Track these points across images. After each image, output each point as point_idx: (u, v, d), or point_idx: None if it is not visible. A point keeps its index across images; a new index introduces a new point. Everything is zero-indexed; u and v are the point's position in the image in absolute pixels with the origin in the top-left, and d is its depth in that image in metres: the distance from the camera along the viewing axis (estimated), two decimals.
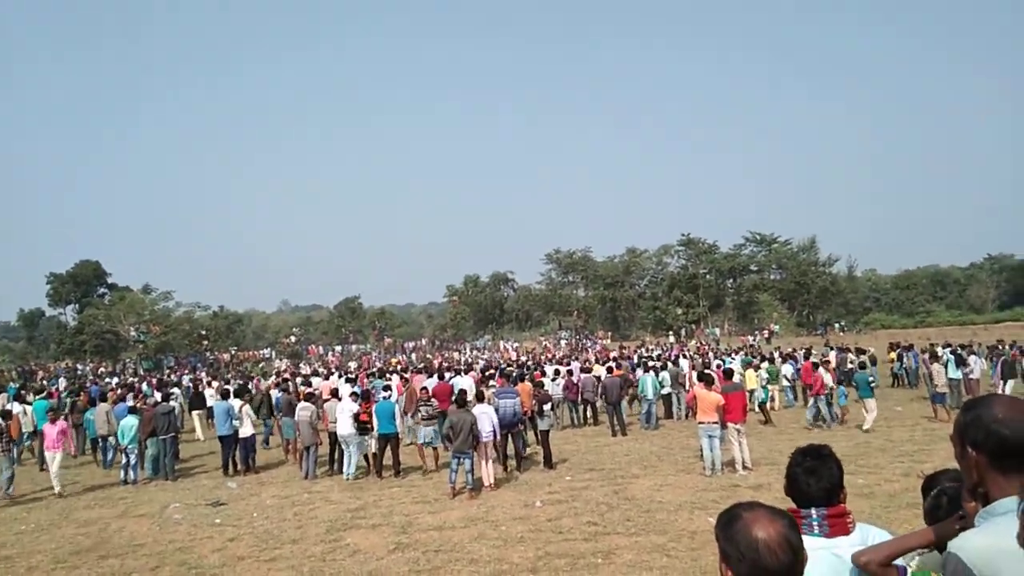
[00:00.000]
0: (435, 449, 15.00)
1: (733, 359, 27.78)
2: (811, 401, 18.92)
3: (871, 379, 17.86)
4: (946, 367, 20.00)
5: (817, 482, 2.73)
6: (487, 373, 23.65)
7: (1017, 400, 2.27)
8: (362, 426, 14.39)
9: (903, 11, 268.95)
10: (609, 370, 21.09)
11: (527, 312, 79.98)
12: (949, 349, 23.51)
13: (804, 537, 2.56)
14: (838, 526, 2.65)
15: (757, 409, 20.05)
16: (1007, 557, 1.92)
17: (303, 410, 15.07)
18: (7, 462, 14.29)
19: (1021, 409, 2.15)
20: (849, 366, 26.21)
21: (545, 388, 16.97)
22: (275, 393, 20.49)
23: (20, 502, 13.79)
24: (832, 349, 31.26)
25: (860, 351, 27.25)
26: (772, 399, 21.90)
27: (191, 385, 29.78)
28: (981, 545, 1.99)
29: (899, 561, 2.52)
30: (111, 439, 16.99)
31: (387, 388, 16.53)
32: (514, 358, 44.53)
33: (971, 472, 2.19)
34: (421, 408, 15.18)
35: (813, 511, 2.66)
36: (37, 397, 20.44)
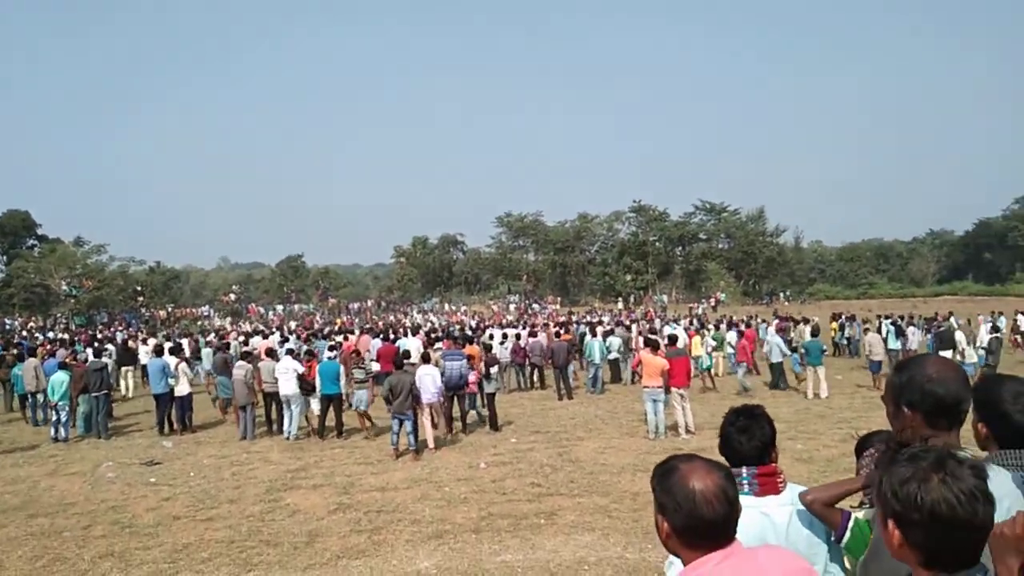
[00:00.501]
0: (367, 415, 14.57)
1: (677, 326, 28.15)
2: (740, 370, 19.20)
3: (824, 347, 18.26)
4: (886, 338, 20.56)
5: (749, 440, 2.74)
6: (434, 335, 23.41)
7: (946, 360, 2.41)
8: (305, 386, 14.12)
9: None
10: (557, 334, 21.11)
11: (476, 275, 79.65)
12: (889, 321, 24.10)
13: None
14: (768, 485, 2.67)
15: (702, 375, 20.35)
16: None
17: (238, 369, 14.68)
18: None
19: (951, 368, 2.28)
20: (791, 335, 26.90)
21: (493, 351, 16.87)
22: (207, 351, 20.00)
23: None
24: (777, 318, 31.85)
25: (805, 320, 27.82)
26: (716, 365, 22.26)
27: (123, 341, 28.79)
28: None
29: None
30: (39, 396, 16.40)
31: (332, 348, 16.23)
32: (463, 321, 44.30)
33: (905, 429, 2.27)
34: (354, 371, 14.60)
35: (744, 470, 2.66)
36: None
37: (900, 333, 21.16)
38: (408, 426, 12.20)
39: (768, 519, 2.57)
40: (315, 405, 14.51)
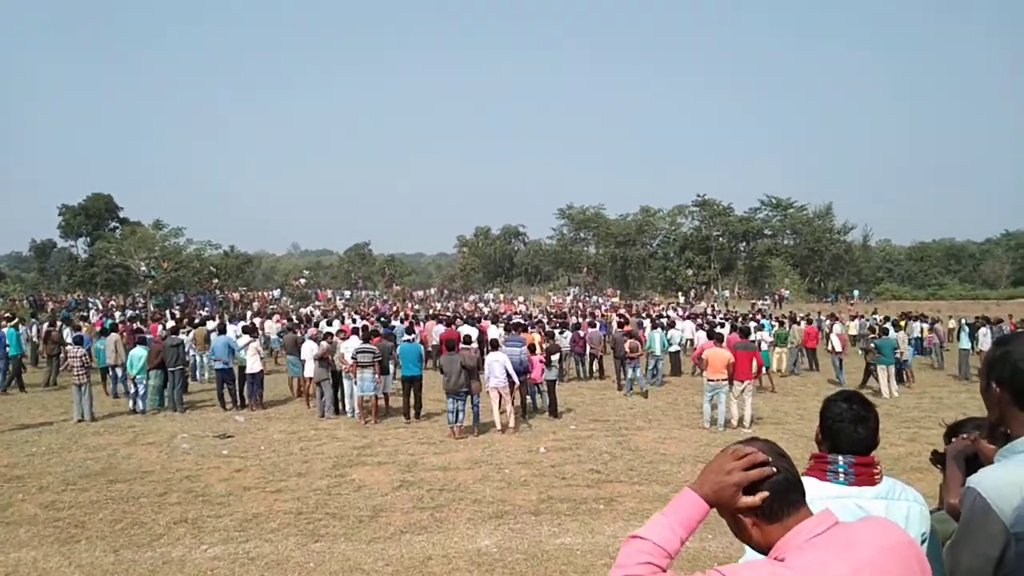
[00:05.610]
0: (377, 398, 14.38)
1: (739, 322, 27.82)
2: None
3: (896, 346, 17.85)
4: (958, 337, 20.05)
5: (865, 430, 2.61)
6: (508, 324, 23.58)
7: None
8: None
9: None
10: (619, 325, 21.06)
11: (537, 267, 79.40)
12: (964, 320, 23.49)
13: (827, 485, 2.52)
14: (865, 475, 2.53)
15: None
16: None
17: (316, 347, 15.06)
18: None
19: None
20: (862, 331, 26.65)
21: (555, 340, 16.95)
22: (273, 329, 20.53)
23: (31, 426, 13.95)
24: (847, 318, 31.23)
25: (885, 319, 27.30)
26: (779, 361, 21.97)
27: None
28: (1000, 480, 2.00)
29: None
30: (119, 369, 17.14)
31: (410, 331, 16.55)
32: (522, 312, 44.39)
33: (994, 408, 2.17)
34: (359, 355, 14.05)
35: (840, 458, 2.53)
36: (8, 325, 19.47)
37: (972, 334, 20.57)
38: (461, 405, 12.54)
39: (863, 512, 2.40)
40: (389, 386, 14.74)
